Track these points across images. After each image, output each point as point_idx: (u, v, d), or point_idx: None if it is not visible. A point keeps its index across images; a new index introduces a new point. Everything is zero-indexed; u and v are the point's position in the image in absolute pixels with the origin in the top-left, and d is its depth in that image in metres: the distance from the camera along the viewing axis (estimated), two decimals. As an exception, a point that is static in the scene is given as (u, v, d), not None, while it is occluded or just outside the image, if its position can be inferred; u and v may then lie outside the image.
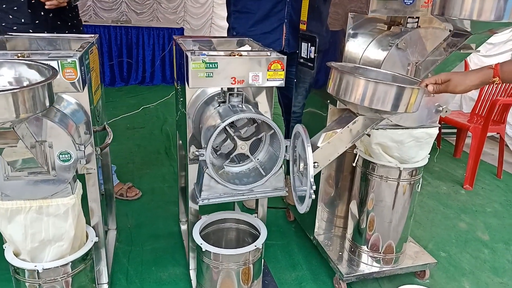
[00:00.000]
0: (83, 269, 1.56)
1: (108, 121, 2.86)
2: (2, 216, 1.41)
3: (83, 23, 5.40)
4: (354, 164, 1.89)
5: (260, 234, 1.72)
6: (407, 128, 1.74)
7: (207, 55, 1.49)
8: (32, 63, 1.20)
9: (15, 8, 1.90)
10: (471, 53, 1.47)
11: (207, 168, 1.50)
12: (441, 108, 1.73)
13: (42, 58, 1.36)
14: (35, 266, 1.44)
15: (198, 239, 1.64)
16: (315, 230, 2.14)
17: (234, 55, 1.52)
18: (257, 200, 1.87)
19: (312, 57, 2.00)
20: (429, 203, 2.81)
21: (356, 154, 1.87)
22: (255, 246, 1.62)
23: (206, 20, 6.51)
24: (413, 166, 1.80)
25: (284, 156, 1.54)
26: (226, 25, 2.57)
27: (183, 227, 2.33)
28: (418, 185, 1.87)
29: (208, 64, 1.48)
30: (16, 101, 1.02)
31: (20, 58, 1.32)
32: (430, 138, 1.79)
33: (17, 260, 1.47)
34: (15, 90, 1.02)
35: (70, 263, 1.49)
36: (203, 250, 1.60)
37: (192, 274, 1.89)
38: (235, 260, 1.61)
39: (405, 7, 1.59)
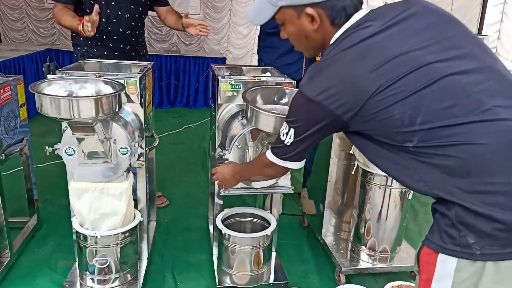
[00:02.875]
0: (130, 242, 1.99)
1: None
2: (74, 193, 1.88)
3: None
4: (352, 173, 2.23)
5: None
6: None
7: (233, 79, 1.94)
8: (108, 80, 1.69)
9: (99, 43, 2.46)
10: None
11: (229, 165, 1.92)
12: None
13: (112, 78, 1.86)
14: (95, 233, 1.89)
15: (220, 224, 2.03)
16: (322, 232, 2.47)
17: (254, 79, 1.95)
18: (271, 202, 2.25)
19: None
20: (436, 221, 3.04)
21: (355, 164, 2.21)
22: (265, 233, 2.00)
23: (247, 50, 7.11)
24: (404, 177, 2.12)
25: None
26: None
27: (211, 224, 2.73)
28: (409, 194, 2.17)
29: (233, 86, 1.92)
30: (97, 104, 1.50)
31: (97, 77, 1.83)
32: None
33: (82, 228, 1.93)
34: (97, 97, 1.50)
35: (121, 233, 1.93)
36: (223, 233, 2.00)
37: (215, 259, 2.27)
38: (248, 242, 1.98)
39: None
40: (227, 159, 1.91)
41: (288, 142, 1.12)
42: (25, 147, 2.36)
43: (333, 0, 1.03)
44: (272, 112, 1.58)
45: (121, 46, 2.51)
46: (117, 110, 1.61)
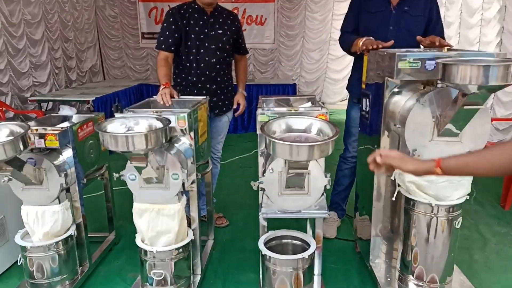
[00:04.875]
0: (183, 257, 2.24)
1: (224, 161, 3.64)
2: (136, 213, 2.18)
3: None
4: (393, 199, 2.21)
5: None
6: (439, 170, 2.02)
7: (271, 110, 2.11)
8: (158, 116, 1.99)
9: (191, 84, 2.87)
10: (479, 109, 1.78)
11: (265, 190, 2.07)
12: (470, 154, 1.98)
13: (167, 114, 2.15)
14: (153, 248, 2.17)
15: (261, 246, 2.18)
16: (370, 258, 2.46)
17: (290, 110, 2.10)
18: (313, 226, 2.33)
19: (367, 110, 2.44)
20: (509, 252, 2.80)
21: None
22: (302, 255, 2.09)
23: (319, 74, 7.24)
24: (449, 204, 2.05)
25: (325, 187, 2.02)
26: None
27: (265, 246, 2.87)
28: (457, 222, 2.09)
29: (270, 117, 2.09)
30: (146, 138, 1.78)
31: (154, 114, 2.14)
32: (464, 180, 2.03)
33: (142, 244, 2.22)
34: (146, 132, 1.78)
35: (174, 249, 2.18)
36: (263, 254, 2.13)
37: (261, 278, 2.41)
38: (287, 264, 2.09)
39: (428, 71, 1.97)
40: (261, 182, 2.08)
41: None
42: (105, 173, 2.78)
43: None
44: (281, 140, 1.72)
45: (208, 86, 2.88)
46: (164, 142, 1.88)
